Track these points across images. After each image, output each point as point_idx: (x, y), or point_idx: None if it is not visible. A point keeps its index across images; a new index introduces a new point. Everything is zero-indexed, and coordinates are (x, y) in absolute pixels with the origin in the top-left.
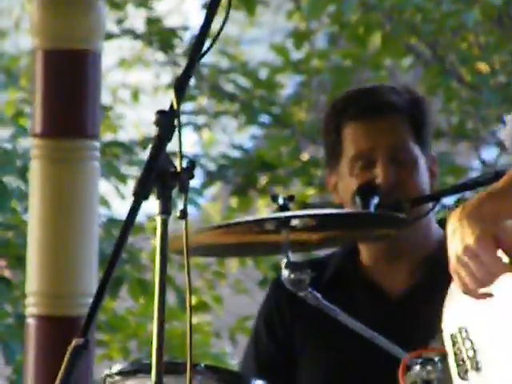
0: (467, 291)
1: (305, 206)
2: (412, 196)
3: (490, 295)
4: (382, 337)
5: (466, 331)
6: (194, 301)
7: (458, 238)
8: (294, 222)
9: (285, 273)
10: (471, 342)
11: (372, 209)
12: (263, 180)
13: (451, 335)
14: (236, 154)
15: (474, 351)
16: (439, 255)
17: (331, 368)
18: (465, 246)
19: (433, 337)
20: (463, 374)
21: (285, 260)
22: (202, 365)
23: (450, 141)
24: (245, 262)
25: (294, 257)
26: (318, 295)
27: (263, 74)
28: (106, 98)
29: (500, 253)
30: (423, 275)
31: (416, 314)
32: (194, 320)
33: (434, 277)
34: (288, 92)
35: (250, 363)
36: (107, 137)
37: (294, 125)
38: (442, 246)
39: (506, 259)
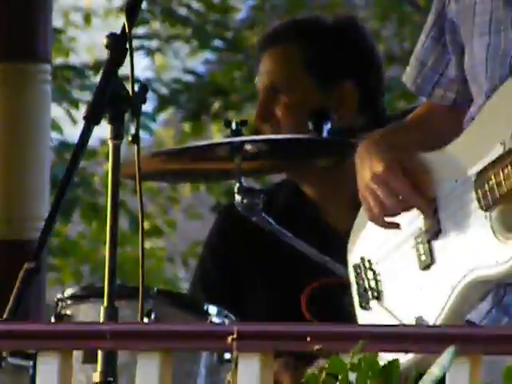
0: (374, 219)
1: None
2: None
3: (395, 225)
4: (333, 261)
5: (369, 261)
6: (146, 225)
7: (367, 166)
8: (247, 147)
9: (237, 198)
10: (374, 272)
11: (324, 134)
12: (216, 105)
13: (354, 266)
14: (189, 78)
15: (377, 281)
16: None
17: (277, 297)
18: (373, 173)
19: None
20: (365, 304)
21: (237, 185)
22: (155, 289)
23: (403, 66)
24: (198, 187)
25: (247, 182)
26: (271, 220)
27: None
28: (57, 21)
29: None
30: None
31: None
32: (147, 244)
33: None
34: (241, 16)
35: (197, 291)
36: (59, 60)
37: (248, 49)
38: None
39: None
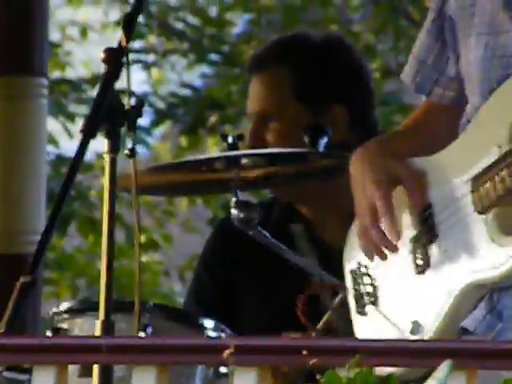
0: (358, 235)
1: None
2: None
3: (384, 256)
4: (328, 275)
5: (366, 267)
6: (143, 239)
7: (360, 184)
8: (244, 161)
9: (234, 212)
10: (370, 278)
11: (321, 148)
12: (213, 119)
13: (351, 271)
14: (185, 92)
15: (373, 286)
16: None
17: (273, 311)
18: (364, 197)
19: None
20: (361, 309)
21: (234, 199)
22: (151, 303)
23: (399, 80)
24: (194, 201)
25: (243, 196)
26: (267, 234)
27: (213, 11)
28: (54, 36)
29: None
30: None
31: None
32: (144, 258)
33: None
34: (237, 30)
35: (192, 304)
36: (55, 74)
37: (244, 63)
38: None
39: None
